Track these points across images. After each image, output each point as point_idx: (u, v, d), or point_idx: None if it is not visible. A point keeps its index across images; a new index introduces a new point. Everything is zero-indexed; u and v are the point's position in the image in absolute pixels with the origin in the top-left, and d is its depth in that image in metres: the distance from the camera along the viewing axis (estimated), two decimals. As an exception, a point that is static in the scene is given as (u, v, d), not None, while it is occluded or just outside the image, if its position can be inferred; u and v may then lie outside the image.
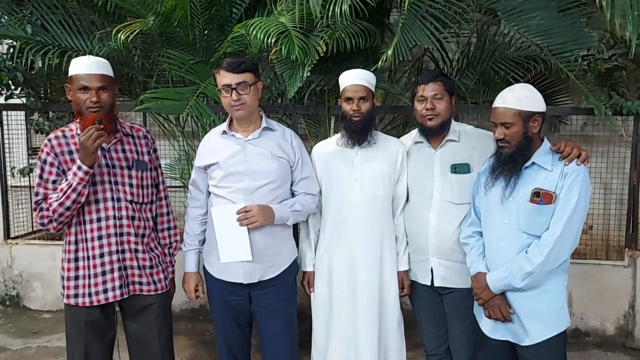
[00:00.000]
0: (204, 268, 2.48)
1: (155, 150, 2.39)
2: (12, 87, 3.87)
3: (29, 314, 4.26)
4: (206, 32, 3.44)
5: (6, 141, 4.36)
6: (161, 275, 2.32)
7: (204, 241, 2.49)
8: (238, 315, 2.45)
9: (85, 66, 2.11)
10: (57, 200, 2.07)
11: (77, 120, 2.18)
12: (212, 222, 2.33)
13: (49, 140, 2.17)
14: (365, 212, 2.45)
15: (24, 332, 3.92)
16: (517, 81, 3.50)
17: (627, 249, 3.72)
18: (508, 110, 2.04)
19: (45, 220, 2.13)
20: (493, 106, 2.11)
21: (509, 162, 2.08)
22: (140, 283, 2.25)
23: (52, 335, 3.84)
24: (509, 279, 2.06)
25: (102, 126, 2.05)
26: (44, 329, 3.97)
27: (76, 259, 2.18)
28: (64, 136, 2.19)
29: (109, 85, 2.14)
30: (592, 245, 4.13)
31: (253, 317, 2.51)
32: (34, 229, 4.69)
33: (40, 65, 3.47)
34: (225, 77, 2.26)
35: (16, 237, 4.45)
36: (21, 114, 4.51)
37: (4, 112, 4.33)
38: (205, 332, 3.85)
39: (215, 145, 2.41)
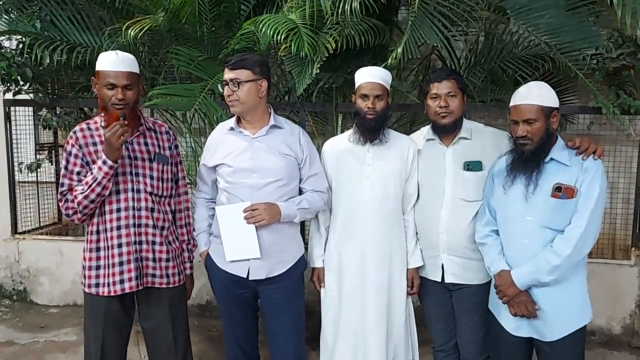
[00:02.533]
0: (207, 265, 2.49)
1: (176, 147, 2.43)
2: (21, 82, 3.89)
3: (36, 308, 4.28)
4: (214, 28, 3.45)
5: (14, 137, 4.37)
6: (176, 270, 2.34)
7: (212, 225, 2.51)
8: (245, 306, 2.47)
9: (113, 63, 2.15)
10: (82, 193, 2.12)
11: (102, 114, 2.22)
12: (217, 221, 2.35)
13: (74, 132, 2.22)
14: (376, 209, 2.45)
15: (31, 326, 3.93)
16: (525, 80, 3.51)
17: (633, 248, 3.72)
18: (532, 106, 2.06)
19: (70, 212, 2.19)
20: (514, 104, 2.12)
21: (531, 159, 2.10)
22: (154, 275, 2.27)
23: (60, 330, 3.85)
24: (536, 274, 2.07)
25: (126, 122, 2.10)
26: (51, 323, 3.98)
27: (97, 249, 2.22)
28: (89, 128, 2.24)
29: (135, 82, 2.18)
30: (599, 244, 4.11)
31: (260, 312, 2.52)
32: (41, 224, 4.72)
33: (48, 61, 3.49)
34: (225, 73, 2.33)
35: (23, 232, 4.47)
36: (29, 110, 4.53)
37: (12, 108, 4.35)
38: (211, 328, 3.86)
39: (222, 142, 2.42)
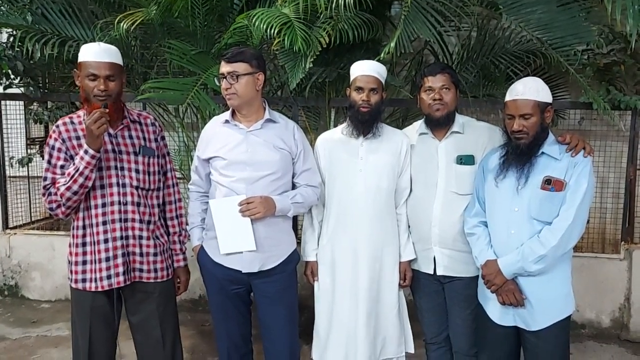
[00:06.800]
0: (199, 260, 2.48)
1: (163, 138, 2.41)
2: (12, 76, 3.86)
3: (28, 303, 4.26)
4: (207, 22, 3.44)
5: (5, 131, 4.34)
6: (164, 264, 2.33)
7: (205, 219, 2.51)
8: (238, 301, 2.47)
9: (95, 54, 2.12)
10: (64, 185, 2.09)
11: (85, 106, 2.20)
12: (211, 214, 2.35)
13: (57, 126, 2.19)
14: (369, 203, 2.46)
15: (23, 321, 3.92)
16: (517, 75, 3.55)
17: (622, 242, 3.76)
18: (529, 101, 2.09)
19: (54, 205, 2.15)
20: (510, 99, 2.14)
21: (525, 153, 2.13)
22: (141, 270, 2.26)
23: (52, 325, 3.84)
24: (522, 263, 2.11)
25: (107, 110, 2.06)
26: (43, 318, 3.97)
27: (84, 244, 2.20)
28: (72, 122, 2.21)
29: (117, 73, 2.16)
30: (589, 238, 4.16)
31: (253, 306, 2.53)
32: (32, 219, 4.70)
33: (39, 54, 3.46)
34: (221, 66, 2.31)
35: (15, 227, 4.45)
36: (20, 104, 4.50)
37: (3, 102, 4.32)
38: (204, 323, 3.87)
39: (217, 135, 2.41)
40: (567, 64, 3.14)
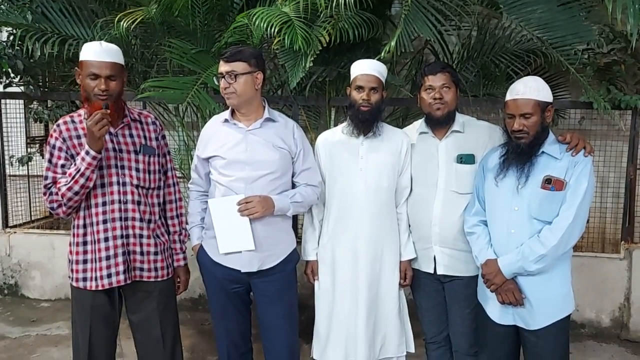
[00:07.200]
0: (199, 259, 2.48)
1: (163, 137, 2.40)
2: (12, 75, 3.86)
3: (28, 302, 4.26)
4: (207, 21, 3.44)
5: (5, 130, 4.34)
6: (164, 263, 2.33)
7: (204, 218, 2.51)
8: (238, 301, 2.47)
9: (96, 53, 2.12)
10: (65, 185, 2.09)
11: (85, 105, 2.19)
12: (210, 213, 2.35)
13: (58, 125, 2.19)
14: (369, 202, 2.46)
15: (22, 320, 3.92)
16: (517, 74, 3.55)
17: (623, 242, 3.76)
18: (529, 101, 2.09)
19: (55, 205, 2.15)
20: (511, 98, 2.14)
21: (526, 152, 2.13)
22: (141, 269, 2.26)
23: (52, 324, 3.84)
24: (522, 262, 2.11)
25: (108, 111, 2.06)
26: (43, 317, 3.97)
27: (84, 243, 2.20)
28: (72, 121, 2.21)
29: (118, 73, 2.15)
30: (589, 238, 4.16)
31: (253, 305, 2.53)
32: (32, 218, 4.69)
33: (39, 53, 3.46)
34: (220, 66, 2.31)
35: (15, 226, 4.45)
36: (20, 103, 4.50)
37: (3, 101, 4.32)
38: (204, 322, 3.87)
39: (216, 134, 2.42)
40: (568, 63, 3.13)
